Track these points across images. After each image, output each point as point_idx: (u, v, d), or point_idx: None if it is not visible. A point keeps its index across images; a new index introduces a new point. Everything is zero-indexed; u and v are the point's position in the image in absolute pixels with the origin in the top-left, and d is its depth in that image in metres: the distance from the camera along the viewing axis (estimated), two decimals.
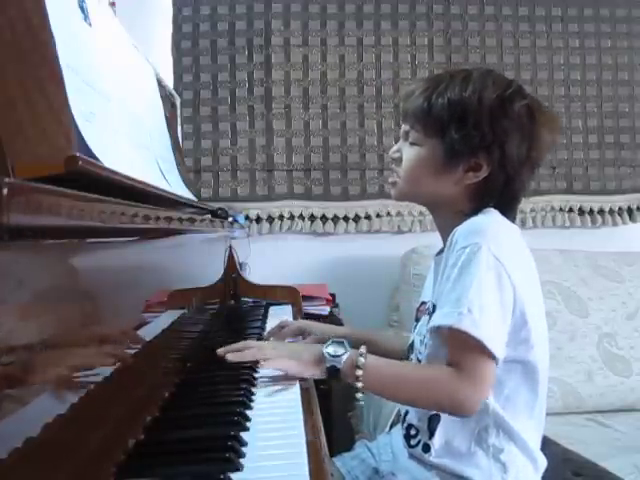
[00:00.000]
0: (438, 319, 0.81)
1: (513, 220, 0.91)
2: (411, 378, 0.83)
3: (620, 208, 2.25)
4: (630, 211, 2.27)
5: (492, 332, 0.77)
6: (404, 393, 0.84)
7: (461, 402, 0.78)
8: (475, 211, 0.89)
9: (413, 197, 0.97)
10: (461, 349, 0.79)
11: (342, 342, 0.84)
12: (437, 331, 0.82)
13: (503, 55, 2.21)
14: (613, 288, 1.85)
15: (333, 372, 0.82)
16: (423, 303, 0.98)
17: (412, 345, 0.99)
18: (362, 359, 0.81)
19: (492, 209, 0.88)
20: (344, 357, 0.82)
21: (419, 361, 0.92)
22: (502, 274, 0.79)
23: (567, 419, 1.57)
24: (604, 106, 2.25)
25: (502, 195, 0.88)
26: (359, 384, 0.81)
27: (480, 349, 0.77)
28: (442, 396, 0.80)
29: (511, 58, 2.21)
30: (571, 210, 2.23)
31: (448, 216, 0.91)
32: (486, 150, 0.85)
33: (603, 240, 2.18)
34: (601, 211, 2.25)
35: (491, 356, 0.77)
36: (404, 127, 0.93)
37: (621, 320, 1.80)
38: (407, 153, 0.91)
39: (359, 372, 0.81)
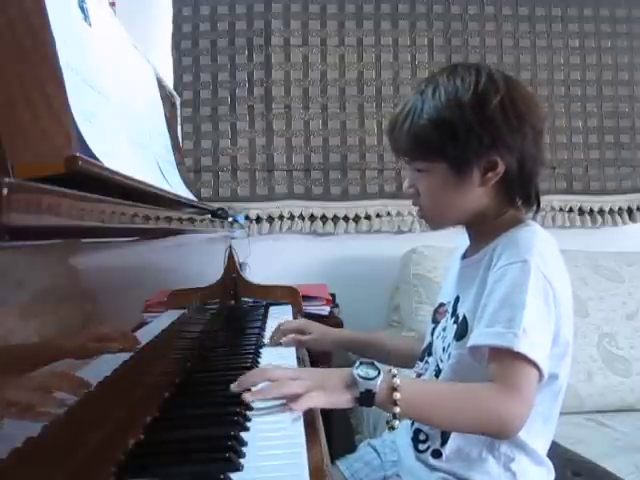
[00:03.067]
0: (488, 338, 0.77)
1: (538, 207, 0.89)
2: (455, 398, 0.78)
3: (620, 208, 2.25)
4: (630, 211, 2.27)
5: (544, 353, 0.77)
6: (448, 415, 0.78)
7: (510, 422, 0.75)
8: (503, 213, 0.88)
9: (448, 222, 0.93)
10: (511, 370, 0.76)
11: (372, 363, 0.76)
12: (478, 348, 0.79)
13: (503, 55, 2.21)
14: (613, 288, 1.85)
15: (367, 397, 0.73)
16: (442, 305, 0.96)
17: (428, 349, 0.97)
18: (397, 380, 0.73)
19: (532, 222, 0.87)
20: (379, 379, 0.73)
21: (439, 368, 0.90)
22: (549, 292, 0.78)
23: (567, 419, 1.56)
24: (604, 106, 2.25)
25: (521, 182, 0.86)
26: (397, 409, 0.73)
27: (531, 368, 0.75)
28: (490, 416, 0.76)
29: (511, 58, 2.21)
30: (571, 210, 2.23)
31: (483, 226, 0.89)
32: (491, 146, 0.83)
33: (603, 240, 2.18)
34: (601, 211, 2.25)
35: (540, 376, 0.76)
36: (404, 161, 0.90)
37: (621, 320, 1.80)
38: (421, 184, 0.88)
39: (397, 395, 0.73)
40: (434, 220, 0.93)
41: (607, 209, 2.24)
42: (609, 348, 1.76)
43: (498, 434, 0.79)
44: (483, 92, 0.83)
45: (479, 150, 0.83)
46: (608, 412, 1.69)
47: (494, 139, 0.82)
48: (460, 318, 0.87)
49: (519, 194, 0.88)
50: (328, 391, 0.73)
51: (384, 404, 0.74)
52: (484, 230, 0.89)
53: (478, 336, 0.79)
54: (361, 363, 0.75)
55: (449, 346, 0.88)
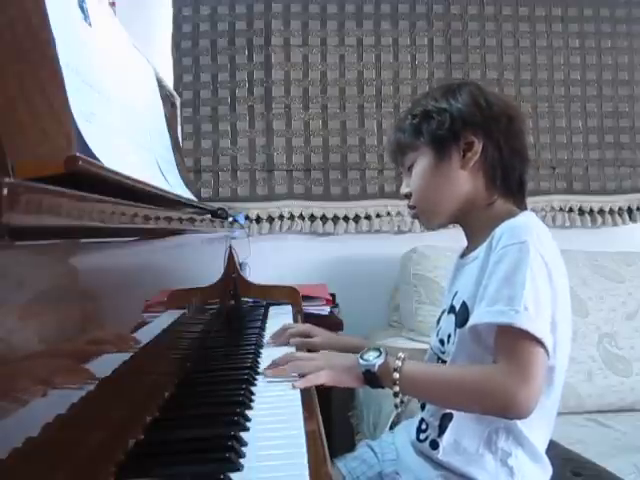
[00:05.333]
0: (489, 316, 0.79)
1: (525, 198, 0.94)
2: (455, 379, 0.82)
3: (620, 208, 2.25)
4: (630, 211, 2.27)
5: (546, 329, 0.78)
6: (448, 396, 0.83)
7: (513, 401, 0.75)
8: (491, 201, 0.91)
9: (441, 216, 0.95)
10: (515, 347, 0.77)
11: (378, 348, 0.84)
12: (476, 328, 0.82)
13: (503, 55, 2.21)
14: (613, 288, 1.85)
15: (370, 377, 0.82)
16: (443, 311, 0.98)
17: (430, 348, 0.99)
18: (398, 362, 0.81)
19: (527, 211, 0.91)
20: (378, 361, 0.82)
21: (440, 360, 0.92)
22: (547, 272, 0.80)
23: (567, 419, 1.57)
24: (604, 106, 2.25)
25: (502, 169, 0.91)
26: (396, 388, 0.81)
27: (535, 347, 0.76)
28: (494, 396, 0.77)
29: (511, 58, 2.21)
30: (571, 210, 2.23)
31: (474, 216, 0.93)
32: (465, 128, 0.90)
33: (603, 240, 2.18)
34: (601, 211, 2.25)
35: (545, 353, 0.77)
36: (400, 165, 1.00)
37: (621, 320, 1.80)
38: (412, 180, 0.96)
39: (395, 375, 0.80)
40: (427, 214, 0.96)
41: (607, 209, 2.24)
42: (609, 348, 1.76)
43: (504, 413, 0.79)
44: (454, 85, 0.95)
45: (453, 127, 0.90)
46: (608, 412, 1.69)
47: (464, 118, 0.90)
48: (458, 307, 0.89)
49: (501, 182, 0.91)
50: (336, 372, 0.84)
51: (386, 383, 0.82)
52: (478, 224, 0.92)
53: (479, 315, 0.81)
54: (369, 349, 0.85)
55: (450, 337, 0.90)
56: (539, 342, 0.76)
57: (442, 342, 0.92)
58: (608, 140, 2.25)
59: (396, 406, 0.82)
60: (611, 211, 2.25)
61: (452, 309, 0.91)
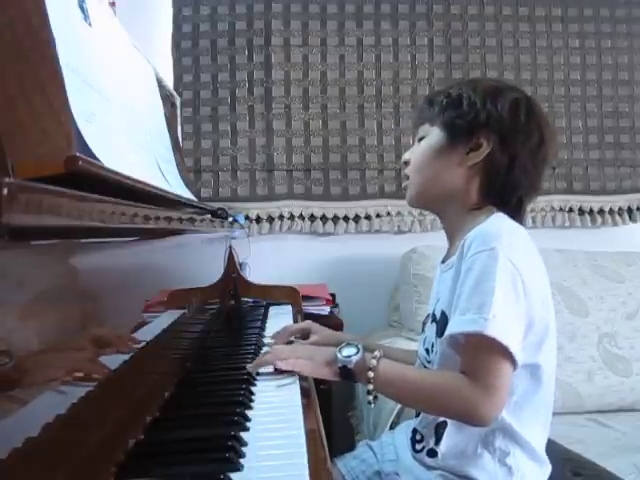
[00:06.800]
0: (461, 325, 0.79)
1: (521, 221, 0.91)
2: (425, 384, 0.83)
3: (620, 208, 2.25)
4: (630, 211, 2.27)
5: (515, 338, 0.77)
6: (416, 399, 0.85)
7: (475, 412, 0.77)
8: (479, 206, 0.90)
9: (421, 193, 0.95)
10: (482, 357, 0.78)
11: (356, 345, 0.85)
12: (454, 338, 0.81)
13: (503, 55, 2.21)
14: (613, 288, 1.85)
15: (346, 373, 0.83)
16: (428, 315, 0.98)
17: (416, 355, 0.99)
18: (374, 361, 0.82)
19: (500, 213, 0.89)
20: (355, 358, 0.83)
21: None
22: (517, 279, 0.79)
23: (567, 419, 1.57)
24: (604, 106, 2.25)
25: (504, 184, 0.89)
26: (370, 386, 0.82)
27: (502, 356, 0.77)
28: (456, 405, 0.79)
29: (511, 58, 2.21)
30: (571, 210, 2.23)
31: (456, 214, 0.92)
32: (483, 129, 0.88)
33: (603, 240, 2.18)
34: (601, 211, 2.25)
35: (512, 363, 0.77)
36: (414, 133, 0.99)
37: (621, 320, 1.80)
38: (415, 151, 0.96)
39: (370, 374, 0.82)
40: (412, 188, 0.96)
41: (607, 209, 2.24)
42: (609, 348, 1.76)
43: (468, 421, 0.81)
44: (503, 85, 0.93)
45: (471, 123, 0.88)
46: (608, 412, 1.69)
47: (488, 120, 0.88)
48: (438, 316, 0.89)
49: (497, 195, 0.90)
50: (314, 363, 0.86)
51: (361, 380, 0.83)
52: (457, 224, 0.91)
53: (453, 325, 0.81)
54: (347, 344, 0.86)
55: (433, 346, 0.90)
56: (507, 351, 0.76)
57: (427, 351, 0.92)
58: (608, 140, 2.25)
59: (369, 402, 0.84)
60: (611, 211, 2.25)
61: (434, 317, 0.91)
